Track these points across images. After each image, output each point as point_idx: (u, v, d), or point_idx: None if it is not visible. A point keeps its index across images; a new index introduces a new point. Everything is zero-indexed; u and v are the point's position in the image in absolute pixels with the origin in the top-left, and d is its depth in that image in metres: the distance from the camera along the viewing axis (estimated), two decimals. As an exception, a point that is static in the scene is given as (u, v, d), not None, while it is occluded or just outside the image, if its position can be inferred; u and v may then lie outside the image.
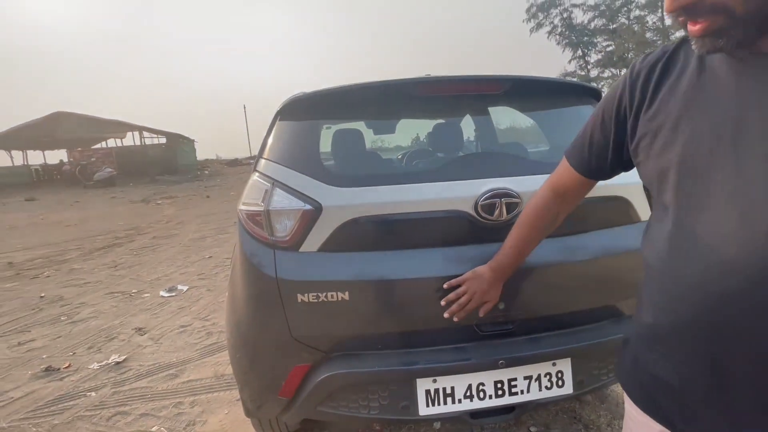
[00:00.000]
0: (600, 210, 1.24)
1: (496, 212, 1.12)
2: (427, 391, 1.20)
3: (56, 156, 28.10)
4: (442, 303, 1.10)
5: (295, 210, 1.13)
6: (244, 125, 37.55)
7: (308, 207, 1.12)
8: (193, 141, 28.61)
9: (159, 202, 11.63)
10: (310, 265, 1.14)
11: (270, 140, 1.35)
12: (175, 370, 2.40)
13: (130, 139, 25.66)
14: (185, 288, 3.90)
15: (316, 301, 1.13)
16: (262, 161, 1.31)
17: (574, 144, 0.80)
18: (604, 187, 1.22)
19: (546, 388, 1.25)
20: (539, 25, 34.13)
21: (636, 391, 0.68)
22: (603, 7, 31.68)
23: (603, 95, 0.88)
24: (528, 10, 33.88)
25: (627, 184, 1.25)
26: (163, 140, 25.56)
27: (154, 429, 1.89)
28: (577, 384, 1.27)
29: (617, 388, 2.00)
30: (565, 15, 33.06)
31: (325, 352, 1.20)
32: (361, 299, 1.13)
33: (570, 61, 33.98)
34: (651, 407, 0.65)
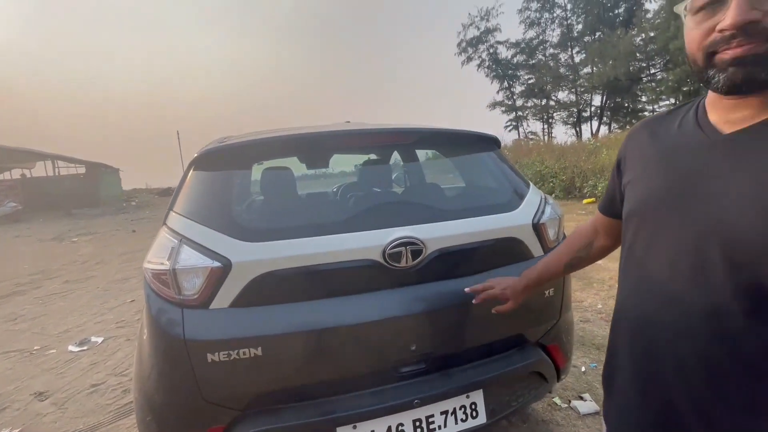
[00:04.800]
0: (498, 250, 1.37)
1: (403, 259, 1.20)
2: (348, 439, 1.21)
3: (-56, 189, 24.19)
4: (466, 290, 1.18)
5: (203, 267, 1.11)
6: (178, 151, 35.41)
7: (217, 264, 1.11)
8: (117, 170, 26.36)
9: (75, 239, 10.44)
10: (221, 322, 1.12)
11: (182, 192, 1.33)
12: (81, 440, 2.14)
13: (41, 170, 22.99)
14: (100, 339, 3.52)
15: (228, 359, 1.10)
16: (172, 215, 1.28)
17: (604, 198, 0.92)
18: (499, 230, 1.37)
19: (461, 420, 1.32)
20: (469, 59, 37.28)
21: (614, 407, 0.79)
22: (523, 45, 35.49)
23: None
24: (459, 45, 36.95)
25: (519, 225, 1.40)
26: (82, 170, 23.25)
27: None
28: (489, 413, 1.36)
29: (537, 406, 2.15)
30: (491, 50, 36.53)
31: (241, 410, 1.17)
32: (276, 353, 1.13)
33: (498, 92, 37.25)
34: (610, 411, 0.79)
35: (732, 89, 0.56)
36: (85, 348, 3.36)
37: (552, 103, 34.62)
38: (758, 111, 0.57)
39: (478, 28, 35.77)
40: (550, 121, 34.74)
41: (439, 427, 1.29)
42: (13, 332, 3.89)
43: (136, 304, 4.54)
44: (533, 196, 1.51)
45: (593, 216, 0.99)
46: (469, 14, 38.81)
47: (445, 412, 1.30)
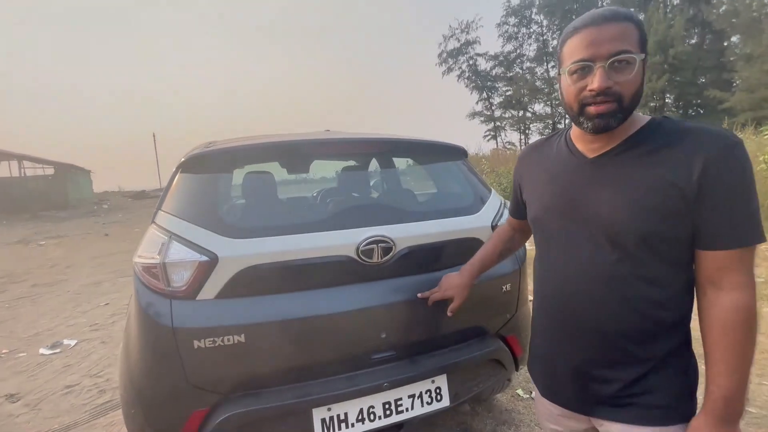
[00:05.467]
0: (461, 248, 1.53)
1: (375, 256, 1.34)
2: (323, 420, 1.33)
3: None
4: (419, 295, 1.38)
5: (192, 261, 1.21)
6: (153, 154, 34.56)
7: (204, 258, 1.22)
8: (88, 171, 25.49)
9: (42, 242, 10.05)
10: (207, 312, 1.22)
11: (170, 193, 1.42)
12: (57, 438, 2.15)
13: (6, 170, 21.94)
14: (73, 342, 3.47)
15: (213, 346, 1.21)
16: (161, 213, 1.37)
17: (511, 203, 1.17)
18: (462, 230, 1.53)
19: (427, 403, 1.46)
20: (449, 69, 38.22)
21: (532, 369, 1.05)
22: (501, 58, 36.65)
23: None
24: (440, 55, 37.80)
25: (480, 227, 1.57)
26: (51, 171, 22.34)
27: None
28: (453, 396, 1.50)
29: (501, 397, 2.31)
30: (470, 62, 37.57)
31: (224, 394, 1.26)
32: (258, 340, 1.24)
33: (477, 102, 38.24)
34: (539, 377, 1.01)
35: (596, 131, 0.80)
36: (57, 351, 3.32)
37: (529, 114, 35.90)
38: (607, 142, 0.83)
39: (459, 40, 36.88)
40: (527, 132, 35.96)
41: (407, 409, 1.43)
42: (-22, 336, 3.78)
43: (110, 307, 4.48)
44: (494, 201, 1.68)
45: (507, 220, 1.25)
46: (450, 26, 39.96)
47: (412, 396, 1.44)
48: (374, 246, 1.34)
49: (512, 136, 37.86)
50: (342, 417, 1.35)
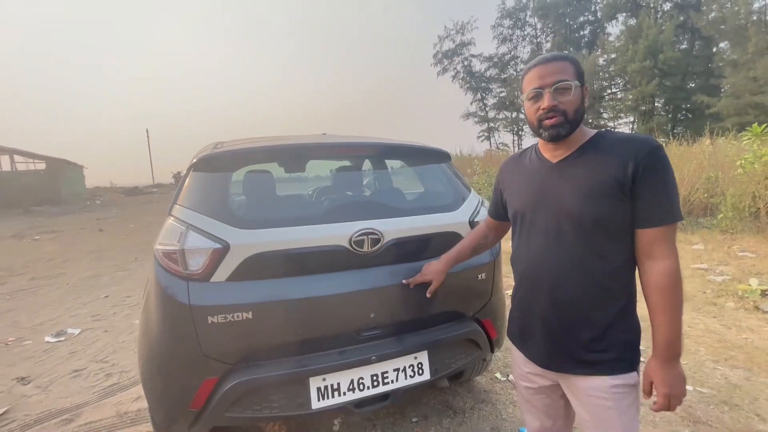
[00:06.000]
0: (441, 241, 1.73)
1: (365, 246, 1.54)
2: (318, 388, 1.52)
3: None
4: (403, 281, 1.58)
5: (207, 248, 1.40)
6: (147, 150, 34.30)
7: (218, 246, 1.40)
8: (81, 167, 25.31)
9: (37, 237, 10.09)
10: (219, 292, 1.41)
11: (184, 189, 1.60)
12: (69, 415, 2.32)
13: (-4, 164, 21.75)
14: (77, 331, 3.63)
15: (224, 321, 1.40)
16: (177, 207, 1.55)
17: (490, 205, 1.39)
18: (442, 225, 1.73)
19: (410, 376, 1.66)
20: (444, 70, 38.48)
21: (511, 333, 1.26)
22: (496, 59, 37.00)
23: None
24: (435, 56, 38.05)
25: (458, 222, 1.77)
26: (42, 166, 22.18)
27: (48, 474, 1.85)
28: (433, 371, 1.70)
29: (481, 379, 2.53)
30: (465, 63, 37.89)
31: (232, 364, 1.45)
32: (262, 317, 1.43)
33: (471, 103, 38.55)
34: (516, 341, 1.23)
35: (552, 140, 1.05)
36: (62, 339, 3.47)
37: (522, 116, 36.23)
38: (566, 150, 1.07)
39: (454, 41, 37.17)
40: (520, 133, 36.32)
41: (392, 381, 1.63)
42: (-18, 325, 3.91)
43: (110, 299, 4.63)
44: (472, 199, 1.88)
45: (484, 221, 1.47)
46: (445, 27, 40.26)
47: (397, 369, 1.64)
48: (365, 237, 1.53)
49: (506, 137, 38.27)
50: (335, 386, 1.54)
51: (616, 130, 1.04)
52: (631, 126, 29.47)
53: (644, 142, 0.97)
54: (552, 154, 1.09)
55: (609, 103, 30.34)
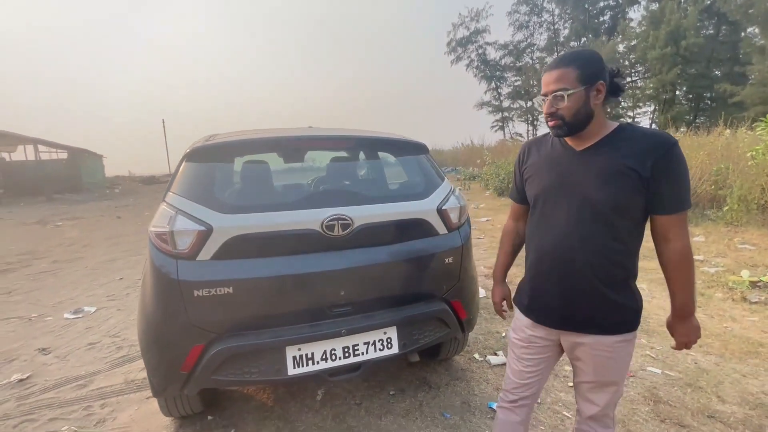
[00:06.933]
0: (410, 227, 1.87)
1: (336, 230, 1.69)
2: (294, 357, 1.70)
3: None
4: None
5: (193, 230, 1.58)
6: (163, 140, 35.09)
7: (202, 228, 1.58)
8: (101, 156, 26.11)
9: (59, 223, 10.60)
10: (204, 269, 1.59)
11: (177, 177, 1.78)
12: (83, 381, 2.57)
13: (22, 154, 22.65)
14: (93, 309, 3.92)
15: (208, 294, 1.58)
16: (170, 194, 1.73)
17: (512, 191, 1.46)
18: (411, 212, 1.87)
19: (379, 350, 1.82)
20: (458, 58, 37.87)
21: (519, 303, 1.38)
22: (511, 47, 36.20)
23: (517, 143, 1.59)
24: (449, 44, 37.45)
25: (427, 210, 1.91)
26: (64, 155, 23.00)
27: (64, 429, 2.10)
28: (401, 346, 1.86)
29: (459, 359, 2.68)
30: (480, 51, 37.20)
31: (216, 333, 1.64)
32: (242, 292, 1.61)
33: (486, 92, 37.92)
34: (524, 308, 1.35)
35: (556, 137, 1.23)
36: (79, 316, 3.77)
37: (536, 105, 35.21)
38: (587, 140, 1.18)
39: (468, 29, 36.47)
40: (535, 123, 35.59)
41: (362, 353, 1.79)
42: (9, 303, 4.25)
43: (124, 281, 4.93)
44: (443, 188, 2.01)
45: (510, 212, 1.52)
46: (460, 14, 39.44)
47: (367, 343, 1.80)
48: (335, 222, 1.69)
49: (520, 127, 37.63)
50: (309, 356, 1.72)
51: (636, 124, 1.17)
52: (650, 116, 28.63)
53: (664, 139, 1.09)
54: (576, 142, 1.19)
55: (628, 92, 29.47)
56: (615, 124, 1.16)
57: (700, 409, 2.08)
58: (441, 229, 1.94)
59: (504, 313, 1.55)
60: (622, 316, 1.19)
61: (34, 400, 2.38)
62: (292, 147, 1.83)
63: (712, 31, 25.46)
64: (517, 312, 1.41)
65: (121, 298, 4.27)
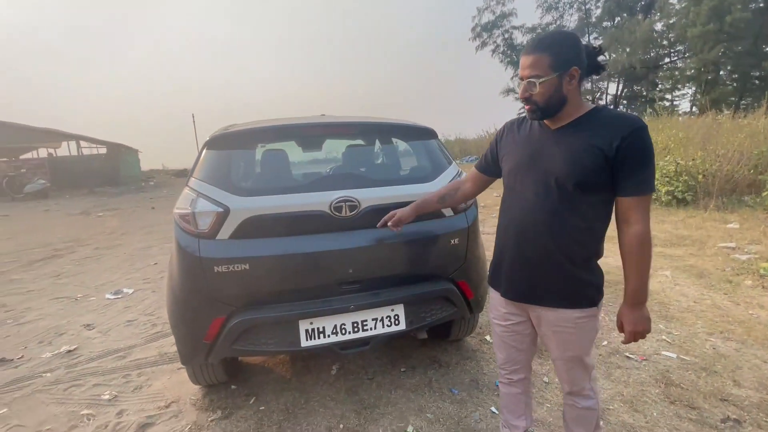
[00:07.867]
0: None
1: (343, 211, 1.79)
2: (306, 330, 1.82)
3: (-23, 166, 25.54)
4: (378, 225, 1.67)
5: (212, 211, 1.71)
6: (193, 134, 36.38)
7: (221, 209, 1.71)
8: (137, 151, 27.43)
9: (100, 214, 11.33)
10: (223, 247, 1.73)
11: (198, 163, 1.92)
12: (123, 353, 2.83)
13: (66, 149, 24.16)
14: (131, 291, 4.23)
15: (227, 270, 1.71)
16: (192, 179, 1.88)
17: (480, 160, 1.52)
18: (416, 195, 1.93)
19: (387, 326, 1.92)
20: (483, 44, 36.76)
21: (491, 278, 1.44)
22: (539, 30, 34.80)
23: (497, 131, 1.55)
24: (473, 30, 36.43)
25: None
26: (104, 150, 24.34)
27: (106, 394, 2.33)
28: (408, 323, 1.95)
29: (471, 340, 2.74)
30: (506, 36, 35.97)
31: (235, 306, 1.78)
32: (258, 269, 1.74)
33: (512, 78, 36.73)
34: (494, 283, 1.41)
35: (532, 119, 1.25)
36: (119, 296, 4.08)
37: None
38: (562, 120, 1.19)
39: (494, 12, 35.30)
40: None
41: (371, 329, 1.89)
42: (58, 285, 4.65)
43: (158, 266, 5.26)
44: (450, 172, 2.06)
45: (467, 175, 1.59)
46: (484, -2, 38.21)
47: (375, 319, 1.90)
48: (343, 204, 1.78)
49: (548, 113, 36.19)
50: (321, 329, 1.84)
51: (610, 107, 1.22)
52: (690, 99, 26.95)
53: (631, 121, 1.10)
54: (552, 122, 1.22)
55: (665, 73, 27.80)
56: (591, 106, 1.18)
57: (713, 392, 2.06)
58: (447, 210, 2.00)
59: (387, 222, 1.62)
60: (583, 290, 1.21)
61: (80, 368, 2.64)
62: (306, 134, 1.93)
63: (762, 4, 23.51)
64: (491, 291, 1.46)
65: (155, 281, 4.58)
